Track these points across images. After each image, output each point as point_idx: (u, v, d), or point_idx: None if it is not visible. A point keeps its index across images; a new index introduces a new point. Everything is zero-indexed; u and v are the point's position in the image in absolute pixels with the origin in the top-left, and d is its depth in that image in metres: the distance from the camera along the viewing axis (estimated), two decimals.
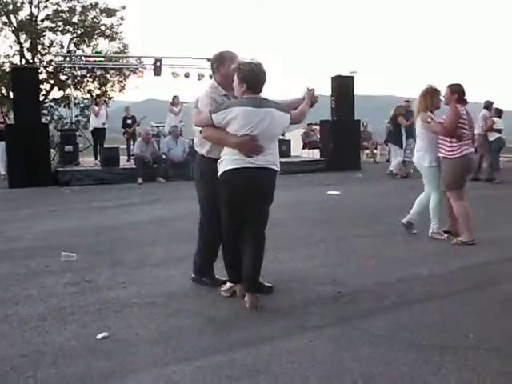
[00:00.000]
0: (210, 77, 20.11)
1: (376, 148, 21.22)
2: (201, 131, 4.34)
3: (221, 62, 4.49)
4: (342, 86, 16.76)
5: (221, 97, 4.38)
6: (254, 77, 4.13)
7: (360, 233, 7.00)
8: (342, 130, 16.40)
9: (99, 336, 3.66)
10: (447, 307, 4.23)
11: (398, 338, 3.60)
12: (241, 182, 4.11)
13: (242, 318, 3.98)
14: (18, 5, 23.76)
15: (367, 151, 21.10)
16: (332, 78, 16.88)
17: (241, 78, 4.13)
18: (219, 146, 4.27)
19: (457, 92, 6.42)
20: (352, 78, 17.72)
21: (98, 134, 16.25)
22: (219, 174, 4.19)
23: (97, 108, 16.42)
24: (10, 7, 23.52)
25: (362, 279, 4.95)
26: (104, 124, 16.19)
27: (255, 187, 4.15)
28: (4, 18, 23.76)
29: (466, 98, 6.49)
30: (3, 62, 23.83)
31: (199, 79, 19.89)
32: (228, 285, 4.52)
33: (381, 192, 11.49)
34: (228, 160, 4.14)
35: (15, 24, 23.94)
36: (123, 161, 15.51)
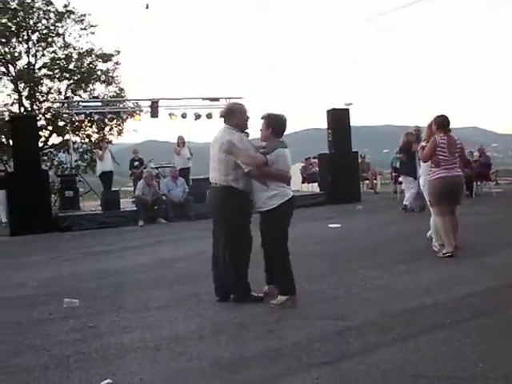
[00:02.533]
0: (207, 116, 20.34)
1: (376, 178, 21.28)
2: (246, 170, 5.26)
3: (235, 112, 5.48)
4: (338, 119, 16.90)
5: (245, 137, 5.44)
6: (281, 125, 5.47)
7: (362, 265, 6.98)
8: (340, 162, 16.46)
9: (103, 383, 3.62)
10: (453, 336, 4.19)
11: (404, 372, 3.56)
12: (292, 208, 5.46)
13: (246, 359, 3.94)
14: (16, 54, 24.07)
15: (367, 182, 21.14)
16: (327, 111, 17.04)
17: (272, 128, 5.39)
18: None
19: (437, 123, 7.24)
20: (347, 110, 17.87)
21: (106, 177, 16.35)
22: (277, 204, 5.27)
23: (100, 152, 16.55)
24: (8, 57, 23.83)
25: (366, 312, 4.91)
26: (110, 168, 16.33)
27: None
28: (2, 68, 24.03)
29: (448, 127, 7.25)
30: (2, 111, 24.01)
31: (196, 119, 20.07)
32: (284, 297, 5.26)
33: (382, 223, 11.49)
34: (281, 195, 5.30)
35: (13, 73, 24.22)
36: (125, 203, 15.52)
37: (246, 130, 5.56)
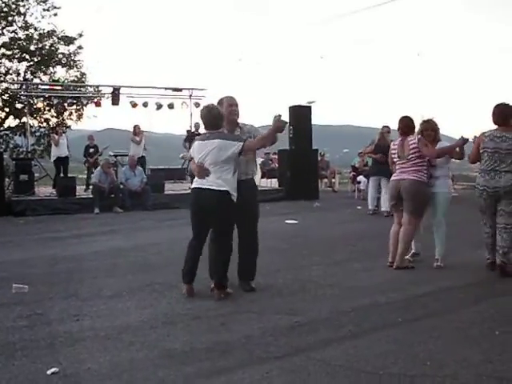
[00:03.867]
0: (169, 106, 20.23)
1: (334, 177, 21.45)
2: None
3: (220, 105, 5.50)
4: (300, 116, 16.97)
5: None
6: (209, 118, 5.34)
7: (317, 261, 7.01)
8: (299, 159, 16.53)
9: (49, 371, 3.53)
10: (403, 335, 4.24)
11: (355, 368, 3.58)
12: (192, 201, 5.44)
13: (197, 350, 3.91)
14: None
15: (326, 180, 21.29)
16: (290, 107, 17.09)
17: (203, 122, 5.44)
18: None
19: (398, 125, 6.97)
20: (309, 107, 17.95)
21: (61, 163, 16.04)
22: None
23: (57, 137, 16.24)
24: None
25: (320, 308, 4.93)
26: (66, 153, 16.01)
27: (202, 203, 5.29)
28: None
29: (406, 130, 6.88)
30: None
31: (158, 109, 19.91)
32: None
33: (338, 220, 11.58)
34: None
35: None
36: (80, 190, 15.29)
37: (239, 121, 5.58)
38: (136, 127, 16.60)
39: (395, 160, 6.89)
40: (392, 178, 6.93)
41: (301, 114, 17.05)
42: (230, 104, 5.53)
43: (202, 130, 17.06)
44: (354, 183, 17.98)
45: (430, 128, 6.87)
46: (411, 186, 6.59)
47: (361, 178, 16.58)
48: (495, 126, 6.39)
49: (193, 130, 18.22)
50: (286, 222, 11.15)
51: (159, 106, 19.96)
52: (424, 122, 6.97)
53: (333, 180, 21.17)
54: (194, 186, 5.40)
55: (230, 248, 5.35)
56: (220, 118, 5.33)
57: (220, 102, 5.57)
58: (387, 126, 12.45)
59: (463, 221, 9.20)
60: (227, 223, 5.31)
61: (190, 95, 20.48)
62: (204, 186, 5.24)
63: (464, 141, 6.72)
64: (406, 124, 6.93)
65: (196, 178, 5.37)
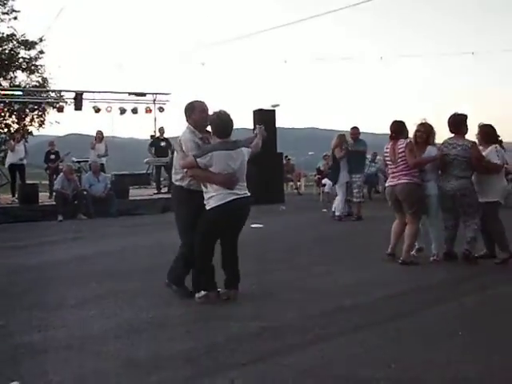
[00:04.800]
0: (132, 111, 20.04)
1: (300, 180, 21.55)
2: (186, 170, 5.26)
3: (192, 111, 5.37)
4: (264, 120, 16.93)
5: (200, 140, 5.31)
6: (221, 126, 5.19)
7: (282, 266, 7.02)
8: (264, 163, 16.50)
9: None
10: (369, 338, 4.26)
11: (321, 373, 3.58)
12: (228, 213, 5.16)
13: (162, 359, 3.86)
14: None
15: (291, 183, 21.38)
16: (254, 111, 17.11)
17: (213, 130, 5.23)
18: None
19: (389, 129, 7.21)
20: (273, 111, 18.00)
21: (16, 169, 15.70)
22: (209, 207, 5.13)
23: (13, 143, 15.92)
24: None
25: (286, 313, 4.92)
26: (22, 160, 15.64)
27: (240, 212, 5.31)
28: None
29: (396, 134, 7.12)
30: None
31: (121, 113, 19.75)
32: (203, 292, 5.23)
33: (304, 224, 11.63)
34: (216, 198, 5.11)
35: None
36: (44, 197, 15.06)
37: (207, 129, 5.41)
38: (98, 133, 16.43)
39: (388, 164, 7.22)
40: (386, 183, 7.33)
41: (265, 117, 17.03)
42: (203, 110, 5.40)
43: (166, 134, 17.07)
44: (319, 186, 18.09)
45: (423, 129, 7.15)
46: (403, 190, 6.97)
47: (326, 180, 16.70)
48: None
49: (157, 134, 18.09)
50: (252, 226, 11.10)
51: (123, 111, 19.81)
52: (419, 124, 7.22)
53: (298, 183, 21.28)
54: (230, 198, 5.14)
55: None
56: (232, 125, 5.26)
57: (191, 107, 5.42)
58: (356, 127, 12.43)
59: None
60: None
61: (154, 100, 20.38)
62: (240, 195, 5.24)
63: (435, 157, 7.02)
64: (395, 129, 7.17)
65: (222, 190, 5.11)
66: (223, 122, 5.21)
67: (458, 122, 6.91)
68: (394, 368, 3.63)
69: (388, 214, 8.48)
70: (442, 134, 7.31)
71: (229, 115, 5.23)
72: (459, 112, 6.98)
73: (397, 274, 6.53)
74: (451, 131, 6.95)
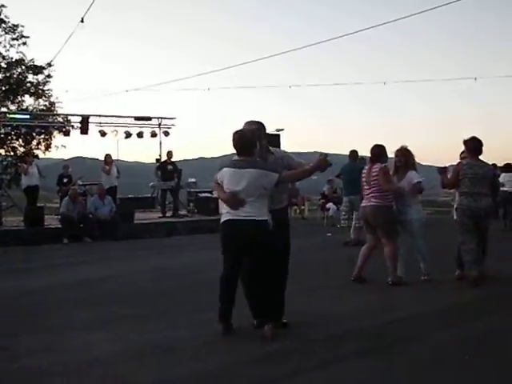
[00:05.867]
0: (138, 135, 20.10)
1: (304, 204, 21.53)
2: None
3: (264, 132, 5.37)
4: (270, 144, 16.98)
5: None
6: (236, 143, 5.00)
7: (288, 289, 6.92)
8: None
9: None
10: (376, 362, 4.25)
11: None
12: (225, 234, 5.00)
13: (170, 383, 3.87)
14: None
15: (295, 207, 21.37)
16: None
17: (234, 147, 5.03)
18: None
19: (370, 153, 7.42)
20: (278, 135, 18.07)
21: (31, 192, 15.77)
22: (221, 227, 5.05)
23: (26, 166, 16.02)
24: None
25: (293, 336, 4.91)
26: (36, 182, 15.74)
27: (239, 235, 4.90)
28: None
29: (374, 157, 7.34)
30: None
31: (127, 137, 19.86)
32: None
33: (309, 248, 11.58)
34: (222, 215, 5.03)
35: None
36: (51, 220, 15.07)
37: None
38: (107, 157, 16.49)
39: (363, 186, 7.36)
40: (361, 204, 7.50)
41: (270, 141, 17.08)
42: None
43: (174, 158, 17.12)
44: (323, 210, 18.07)
45: (399, 154, 7.35)
46: (372, 212, 7.16)
47: (330, 204, 16.69)
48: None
49: (164, 158, 18.14)
50: None
51: (128, 135, 19.92)
52: (396, 150, 7.41)
53: (302, 207, 21.26)
54: (226, 218, 4.96)
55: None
56: (253, 144, 5.03)
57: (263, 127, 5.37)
58: (355, 151, 12.49)
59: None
60: (267, 254, 4.90)
61: (159, 124, 20.50)
62: (239, 218, 4.88)
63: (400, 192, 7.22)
64: (374, 152, 7.35)
65: (228, 209, 4.95)
66: (238, 139, 5.00)
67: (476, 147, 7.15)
68: None
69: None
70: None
71: (245, 133, 5.06)
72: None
73: (403, 298, 6.50)
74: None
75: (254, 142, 5.05)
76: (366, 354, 4.47)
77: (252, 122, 5.31)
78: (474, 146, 7.12)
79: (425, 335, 4.98)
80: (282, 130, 20.40)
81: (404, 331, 5.12)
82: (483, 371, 4.05)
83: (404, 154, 7.35)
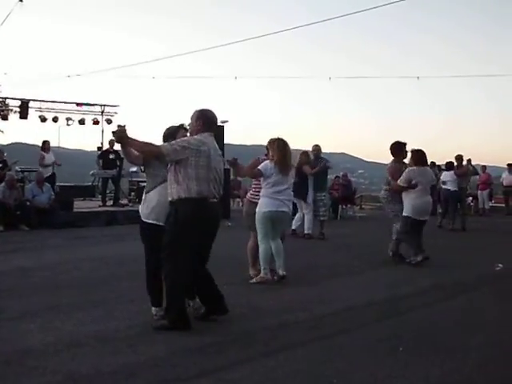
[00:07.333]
0: (79, 122, 19.67)
1: (246, 196, 21.56)
2: None
3: None
4: (215, 136, 17.00)
5: None
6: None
7: (226, 281, 6.97)
8: None
9: None
10: (312, 354, 4.32)
11: None
12: None
13: (103, 373, 3.82)
14: None
15: (238, 199, 21.39)
16: None
17: None
18: None
19: None
20: (222, 127, 18.03)
21: None
22: None
23: None
24: None
25: (228, 328, 4.94)
26: None
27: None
28: None
29: None
30: None
31: (68, 124, 19.47)
32: None
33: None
34: None
35: None
36: None
37: None
38: (45, 143, 16.07)
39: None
40: None
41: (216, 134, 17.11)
42: None
43: (116, 147, 16.84)
44: None
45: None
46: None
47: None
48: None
49: (106, 146, 17.82)
50: None
51: (69, 121, 19.53)
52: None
53: (245, 199, 21.29)
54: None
55: None
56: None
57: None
58: (317, 145, 12.26)
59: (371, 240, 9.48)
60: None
61: (102, 111, 20.16)
62: None
63: None
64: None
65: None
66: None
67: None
68: (336, 383, 3.69)
69: (348, 231, 8.63)
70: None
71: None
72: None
73: (339, 290, 6.62)
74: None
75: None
76: (301, 345, 4.52)
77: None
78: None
79: (358, 328, 5.08)
80: (227, 121, 20.35)
81: (339, 323, 5.21)
82: (415, 362, 4.16)
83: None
